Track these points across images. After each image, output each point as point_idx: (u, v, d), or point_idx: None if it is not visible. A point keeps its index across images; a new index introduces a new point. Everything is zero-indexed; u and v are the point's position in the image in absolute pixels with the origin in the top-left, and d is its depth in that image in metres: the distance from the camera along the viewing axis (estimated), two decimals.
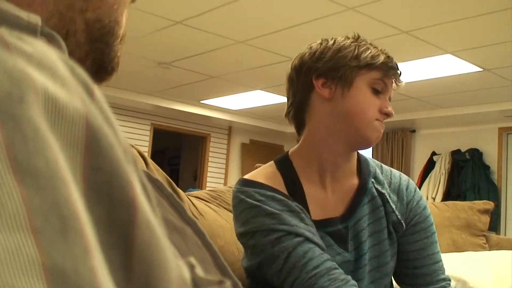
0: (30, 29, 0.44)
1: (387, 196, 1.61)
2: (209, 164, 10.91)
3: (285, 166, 1.61)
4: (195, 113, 9.79)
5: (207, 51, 6.29)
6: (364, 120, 1.53)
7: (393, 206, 1.61)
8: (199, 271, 0.50)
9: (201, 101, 9.34)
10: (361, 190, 1.60)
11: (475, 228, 3.56)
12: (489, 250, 3.41)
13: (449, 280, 1.63)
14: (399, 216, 1.60)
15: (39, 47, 0.38)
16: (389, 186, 1.64)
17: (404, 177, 1.70)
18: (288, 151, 1.66)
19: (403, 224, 1.61)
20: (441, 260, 1.64)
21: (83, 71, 0.40)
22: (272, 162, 1.65)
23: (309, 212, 1.54)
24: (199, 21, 5.32)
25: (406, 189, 1.65)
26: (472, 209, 3.64)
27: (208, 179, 10.81)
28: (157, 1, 4.81)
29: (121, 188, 0.37)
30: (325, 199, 1.58)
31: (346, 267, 1.51)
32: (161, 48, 6.35)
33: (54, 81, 0.35)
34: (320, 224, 1.53)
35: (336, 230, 1.55)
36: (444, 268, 1.63)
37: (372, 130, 1.53)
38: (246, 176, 1.59)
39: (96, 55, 0.63)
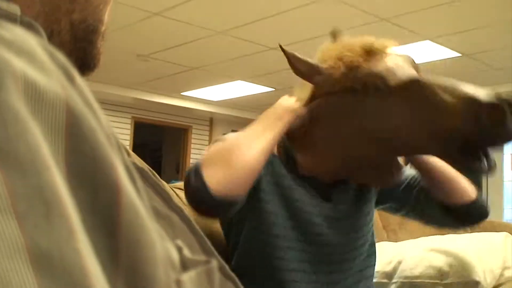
0: (9, 18, 0.44)
1: None
2: (191, 156, 10.89)
3: (285, 145, 1.57)
4: (176, 105, 9.77)
5: (187, 42, 6.27)
6: None
7: None
8: (187, 252, 0.51)
9: (181, 93, 9.32)
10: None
11: None
12: (471, 232, 3.43)
13: None
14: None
15: (18, 33, 0.38)
16: None
17: None
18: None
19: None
20: None
21: (63, 56, 0.40)
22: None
23: (297, 167, 1.53)
24: (177, 12, 5.31)
25: None
26: None
27: None
28: None
29: (104, 171, 0.37)
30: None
31: (328, 220, 1.51)
32: (140, 40, 6.32)
33: (33, 67, 0.35)
34: (307, 179, 1.52)
35: (322, 188, 1.53)
36: None
37: None
38: None
39: (79, 53, 0.64)
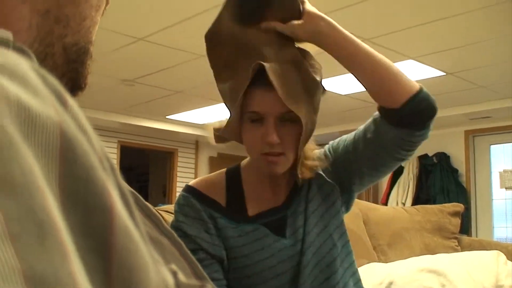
0: (1, 43, 0.44)
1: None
2: (178, 179, 10.87)
3: (233, 176, 1.64)
4: (162, 128, 9.76)
5: (171, 66, 6.28)
6: (252, 155, 1.57)
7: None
8: (182, 277, 0.51)
9: (167, 117, 9.31)
10: (297, 181, 1.62)
11: (446, 231, 3.59)
12: (461, 251, 3.44)
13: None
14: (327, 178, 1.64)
15: (11, 57, 0.38)
16: None
17: None
18: (241, 162, 1.70)
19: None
20: None
21: (55, 80, 0.40)
22: (224, 170, 1.68)
23: (246, 212, 1.57)
24: (161, 37, 5.32)
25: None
26: (443, 212, 3.67)
27: (178, 194, 10.74)
28: (118, 18, 4.79)
29: (96, 194, 0.37)
30: (266, 197, 1.60)
31: (284, 254, 1.52)
32: (125, 65, 6.32)
33: (26, 91, 0.35)
34: (256, 218, 1.56)
35: (272, 220, 1.56)
36: None
37: (262, 165, 1.53)
38: (191, 183, 1.63)
39: (72, 74, 0.66)
